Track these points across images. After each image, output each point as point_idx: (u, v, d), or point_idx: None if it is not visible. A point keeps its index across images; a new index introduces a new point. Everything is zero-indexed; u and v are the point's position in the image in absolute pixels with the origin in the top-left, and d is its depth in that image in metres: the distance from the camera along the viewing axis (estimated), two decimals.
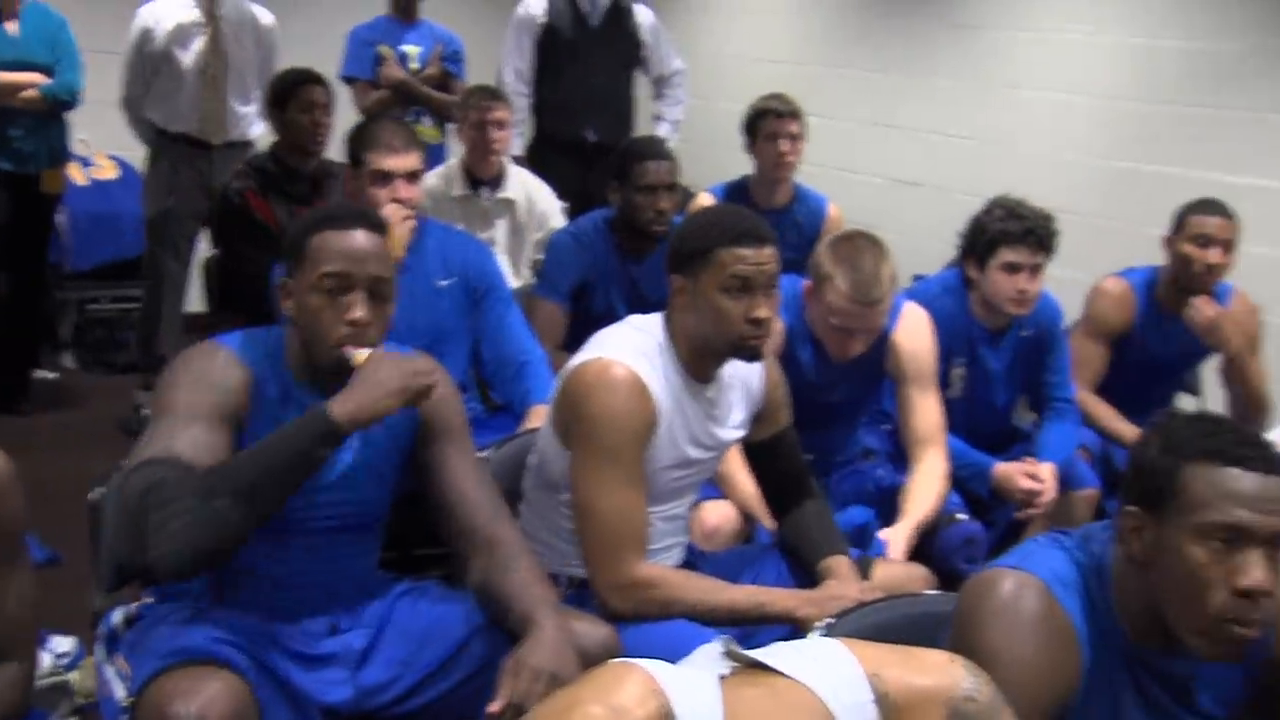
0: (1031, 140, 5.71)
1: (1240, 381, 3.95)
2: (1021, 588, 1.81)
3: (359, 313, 2.19)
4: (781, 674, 1.26)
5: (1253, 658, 1.84)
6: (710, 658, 1.29)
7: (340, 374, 2.16)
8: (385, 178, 3.29)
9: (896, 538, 3.11)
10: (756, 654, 1.28)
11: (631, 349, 2.47)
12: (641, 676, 1.22)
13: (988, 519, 3.50)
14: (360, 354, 2.16)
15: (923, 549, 3.17)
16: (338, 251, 2.20)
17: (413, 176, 3.32)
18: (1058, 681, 1.77)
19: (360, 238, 2.22)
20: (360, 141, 3.35)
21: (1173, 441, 1.77)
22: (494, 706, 1.98)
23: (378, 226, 2.28)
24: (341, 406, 2.08)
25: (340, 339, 2.19)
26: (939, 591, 2.56)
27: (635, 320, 2.58)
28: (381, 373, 2.12)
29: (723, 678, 1.27)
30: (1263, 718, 1.94)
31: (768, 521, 2.90)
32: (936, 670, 1.34)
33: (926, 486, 3.24)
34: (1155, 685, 1.86)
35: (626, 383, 2.42)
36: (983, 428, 3.70)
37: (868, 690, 1.27)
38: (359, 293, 2.20)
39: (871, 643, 1.40)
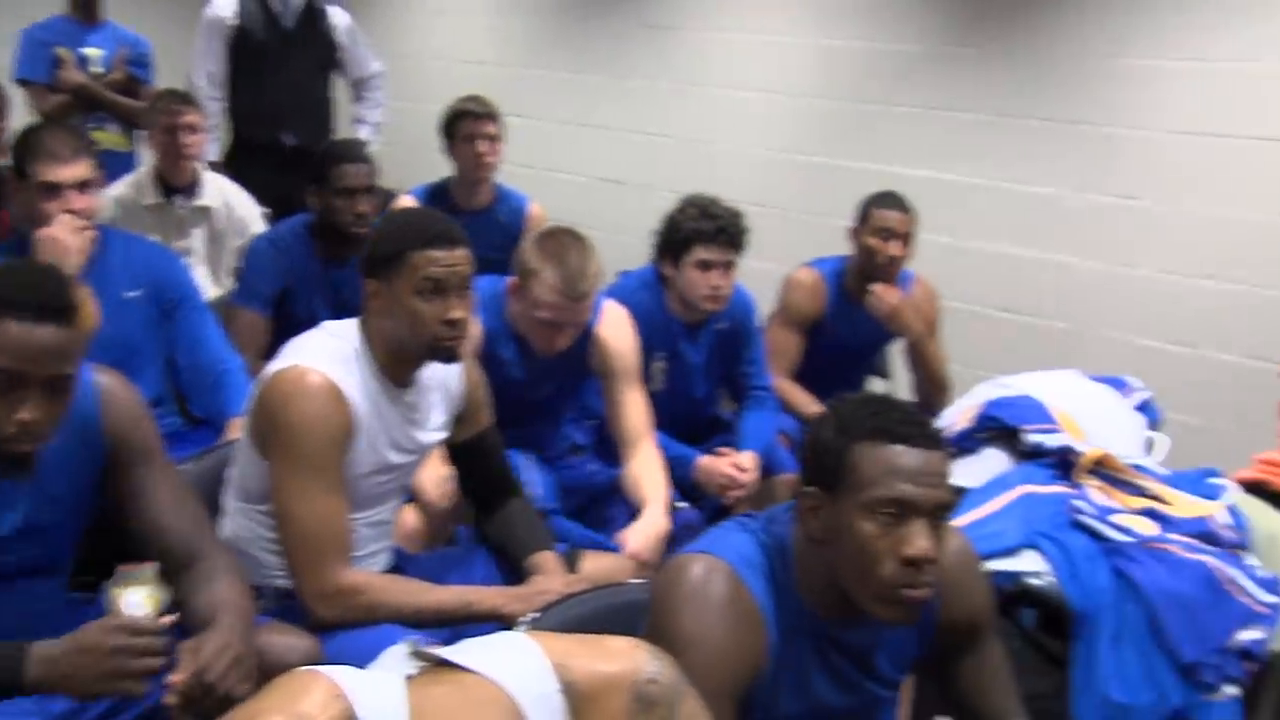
0: (726, 137, 5.90)
1: (922, 364, 4.19)
2: (710, 572, 1.87)
3: (29, 415, 2.04)
4: (469, 670, 1.28)
5: (925, 621, 1.96)
6: (398, 659, 1.30)
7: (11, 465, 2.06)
8: (53, 189, 3.09)
9: (654, 519, 3.15)
10: (443, 652, 1.30)
11: (327, 355, 2.44)
12: (324, 683, 1.22)
13: (698, 506, 3.60)
14: (119, 583, 1.99)
15: None
16: (14, 347, 2.01)
17: (84, 186, 3.13)
18: (746, 661, 1.85)
19: (42, 336, 2.02)
20: (24, 151, 3.15)
21: (843, 423, 1.86)
22: (176, 677, 1.93)
23: (67, 315, 2.07)
24: (41, 673, 1.93)
25: (8, 438, 2.06)
26: (643, 580, 2.62)
27: (330, 326, 2.55)
28: (104, 665, 1.92)
29: (410, 678, 1.28)
30: (932, 674, 2.08)
31: (436, 511, 2.95)
32: (620, 656, 1.38)
33: (654, 474, 3.30)
34: (839, 656, 1.96)
35: (322, 390, 2.39)
36: (685, 419, 3.80)
37: (554, 680, 1.30)
38: (33, 390, 2.04)
39: (558, 634, 1.43)
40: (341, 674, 1.25)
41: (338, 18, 5.42)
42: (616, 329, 3.40)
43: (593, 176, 6.52)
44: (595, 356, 3.37)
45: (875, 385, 4.49)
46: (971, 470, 3.12)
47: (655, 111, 6.23)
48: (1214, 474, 3.10)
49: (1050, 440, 3.08)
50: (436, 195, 4.58)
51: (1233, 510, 2.96)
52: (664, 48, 6.20)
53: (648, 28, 6.27)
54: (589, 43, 6.57)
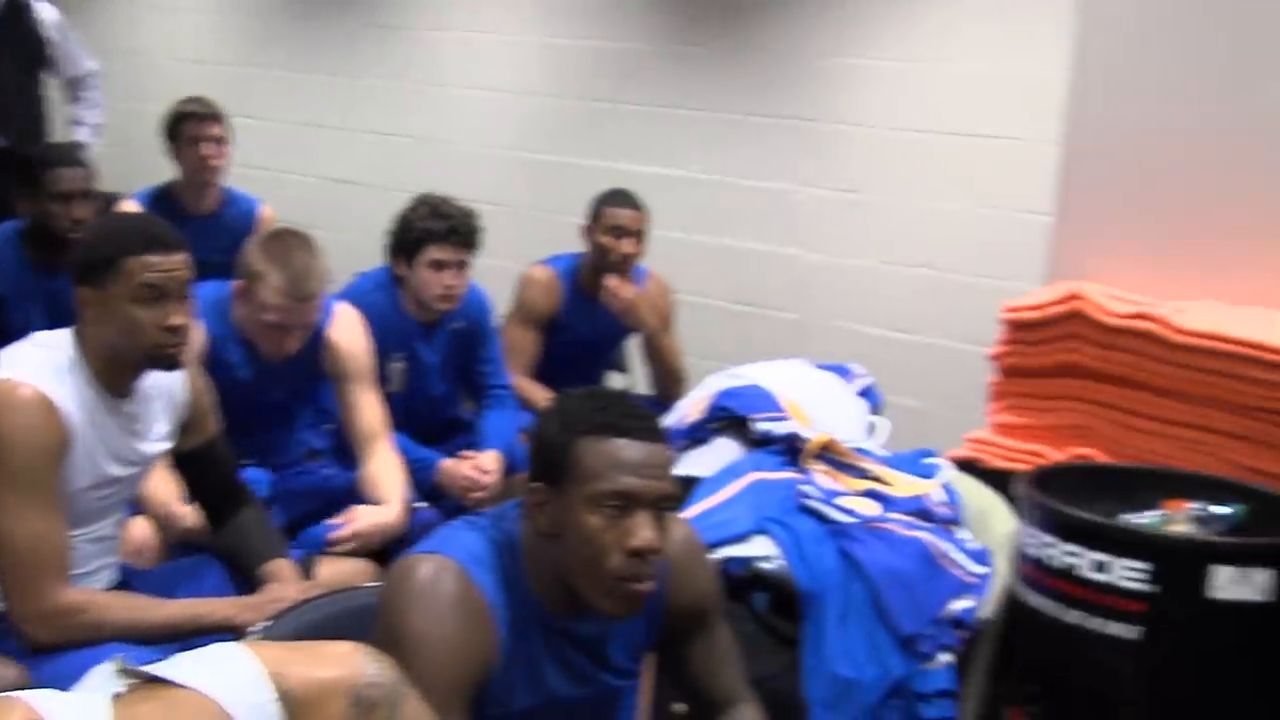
0: (458, 136, 5.91)
1: (658, 357, 4.27)
2: (438, 571, 1.87)
3: None
4: (179, 685, 1.26)
5: (653, 609, 2.00)
6: (105, 678, 1.27)
7: None
8: None
9: (391, 510, 3.14)
10: (152, 668, 1.27)
11: (35, 367, 2.34)
12: (21, 709, 1.18)
13: (440, 505, 3.59)
14: None
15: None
16: None
17: None
18: (475, 658, 1.86)
19: None
20: None
21: (566, 418, 1.89)
22: None
23: None
24: None
25: None
26: (379, 583, 2.61)
27: (40, 337, 2.46)
28: None
29: (117, 697, 1.25)
30: (664, 657, 2.13)
31: (187, 522, 2.86)
32: (339, 661, 1.37)
33: (391, 474, 3.28)
34: (571, 649, 1.98)
35: (32, 403, 2.29)
36: (425, 420, 3.79)
37: (269, 689, 1.28)
38: None
39: (276, 643, 1.41)
40: (41, 698, 1.21)
41: (44, 13, 5.17)
42: (348, 331, 3.36)
43: (326, 178, 6.42)
44: (327, 359, 3.33)
45: (614, 380, 4.56)
46: (704, 460, 3.20)
47: (387, 111, 6.19)
48: (930, 454, 3.27)
49: (778, 428, 3.18)
50: (161, 199, 4.45)
51: (947, 488, 3.13)
52: (394, 47, 6.16)
53: (377, 27, 6.22)
54: (318, 42, 6.47)
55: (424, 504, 3.44)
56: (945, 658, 2.76)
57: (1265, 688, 2.64)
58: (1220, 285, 3.28)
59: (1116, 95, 3.41)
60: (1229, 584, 2.50)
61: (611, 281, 4.08)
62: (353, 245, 4.67)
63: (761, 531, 2.88)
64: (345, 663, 1.36)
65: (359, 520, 3.07)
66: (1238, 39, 3.27)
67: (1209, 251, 3.33)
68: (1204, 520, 2.71)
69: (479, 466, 3.60)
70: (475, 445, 3.74)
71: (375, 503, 3.20)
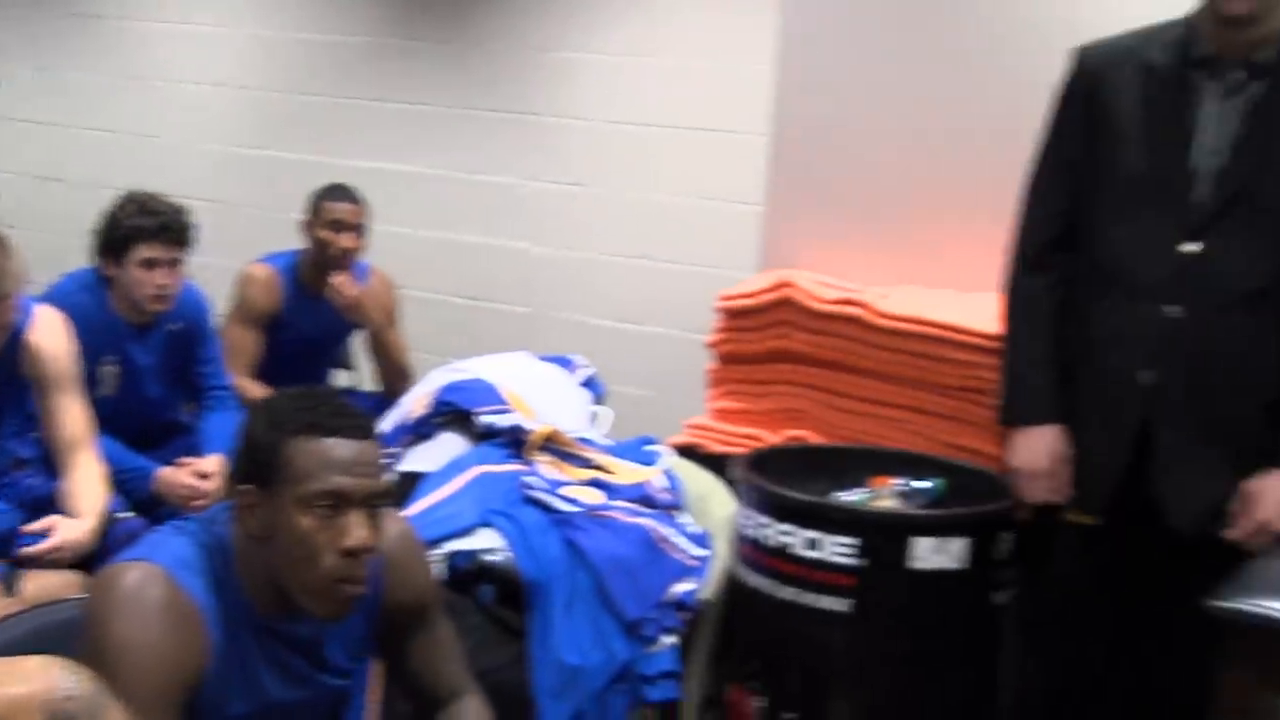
0: (171, 131, 5.75)
1: (384, 354, 4.24)
2: (144, 577, 1.82)
3: None
4: None
5: (370, 606, 1.99)
6: None
7: None
8: None
9: (84, 526, 3.00)
10: None
11: None
12: None
13: (154, 514, 3.47)
14: None
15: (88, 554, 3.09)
16: None
17: None
18: (185, 664, 1.81)
19: None
20: None
21: (274, 419, 1.86)
22: None
23: None
24: None
25: None
26: (84, 595, 2.51)
27: None
28: None
29: None
30: (384, 654, 2.12)
31: None
32: (31, 676, 1.32)
33: (92, 486, 3.15)
34: (287, 651, 1.95)
35: None
36: (141, 424, 3.65)
37: None
38: None
39: None
40: None
41: None
42: (49, 333, 3.21)
43: (25, 174, 6.12)
44: (26, 364, 3.17)
45: (339, 377, 4.50)
46: (429, 455, 3.20)
47: (93, 105, 5.95)
48: (651, 441, 3.34)
49: (502, 421, 3.20)
50: None
51: (668, 474, 3.21)
52: (99, 38, 5.92)
53: (80, 17, 5.96)
54: (15, 33, 6.16)
55: (129, 514, 3.32)
56: (668, 640, 2.83)
57: (968, 652, 2.80)
58: (919, 270, 3.46)
59: (820, 90, 3.56)
60: (929, 554, 2.65)
61: (336, 278, 4.02)
62: (55, 245, 4.47)
63: (487, 524, 2.90)
64: (39, 677, 1.32)
65: (55, 534, 2.94)
66: (933, 38, 3.45)
67: (908, 238, 3.51)
68: (908, 495, 2.86)
69: (199, 472, 3.50)
70: (196, 448, 3.63)
71: (73, 516, 3.07)
